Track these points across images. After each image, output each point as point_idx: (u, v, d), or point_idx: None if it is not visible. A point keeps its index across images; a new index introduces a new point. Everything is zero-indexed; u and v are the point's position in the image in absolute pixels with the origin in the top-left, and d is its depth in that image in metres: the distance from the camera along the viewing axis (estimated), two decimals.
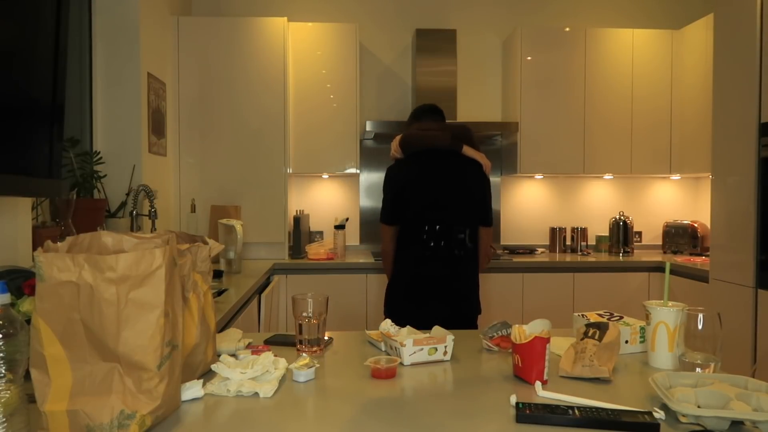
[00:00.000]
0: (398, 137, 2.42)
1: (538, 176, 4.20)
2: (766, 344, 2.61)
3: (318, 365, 1.23)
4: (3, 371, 0.82)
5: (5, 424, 0.83)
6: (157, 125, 3.22)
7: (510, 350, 1.35)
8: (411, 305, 2.33)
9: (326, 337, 1.48)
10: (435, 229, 2.31)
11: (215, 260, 2.99)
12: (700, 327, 1.15)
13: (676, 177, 4.23)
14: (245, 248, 3.53)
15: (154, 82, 3.15)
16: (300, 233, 3.72)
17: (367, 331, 1.53)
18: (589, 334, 1.26)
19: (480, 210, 2.40)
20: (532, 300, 3.62)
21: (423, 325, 1.62)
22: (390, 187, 2.40)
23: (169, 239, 0.99)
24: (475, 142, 2.42)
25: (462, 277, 2.36)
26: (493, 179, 4.19)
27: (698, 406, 0.97)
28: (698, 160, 3.75)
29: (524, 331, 1.19)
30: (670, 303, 1.29)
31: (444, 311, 2.26)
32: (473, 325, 2.38)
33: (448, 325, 1.66)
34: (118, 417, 0.87)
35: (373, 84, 4.13)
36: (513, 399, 1.04)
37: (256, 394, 1.10)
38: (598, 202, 4.29)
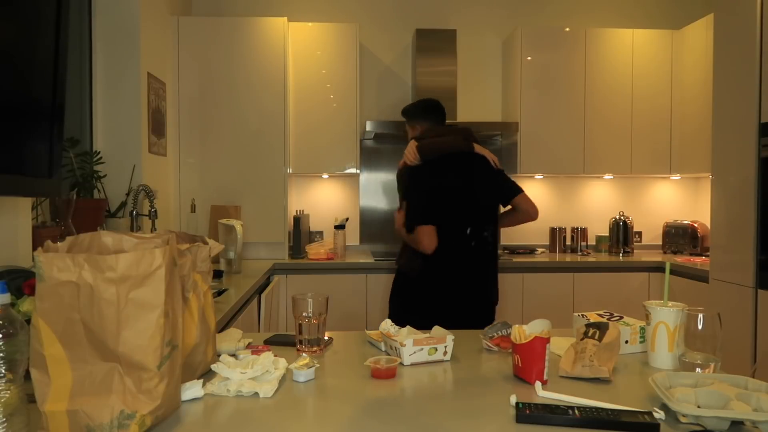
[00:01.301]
0: (414, 143, 2.44)
1: (538, 176, 4.20)
2: (766, 344, 2.61)
3: (318, 365, 1.23)
4: (3, 371, 0.82)
5: (5, 424, 0.83)
6: (157, 125, 3.22)
7: (510, 350, 1.35)
8: (446, 304, 2.34)
9: (326, 337, 1.48)
10: (472, 228, 2.41)
11: (215, 260, 2.99)
12: (700, 327, 1.15)
13: (676, 177, 4.23)
14: (245, 248, 3.53)
15: (154, 82, 3.15)
16: (300, 233, 3.72)
17: (367, 331, 1.53)
18: (589, 334, 1.26)
19: (502, 195, 2.54)
20: (532, 300, 3.62)
21: (455, 322, 1.66)
22: (420, 189, 2.41)
23: (169, 239, 0.99)
24: (477, 140, 2.55)
25: (492, 271, 2.51)
26: None
27: (698, 406, 0.97)
28: (698, 160, 3.75)
29: (524, 331, 1.19)
30: (670, 303, 1.29)
31: (477, 304, 2.40)
32: (492, 313, 2.54)
33: (472, 317, 1.87)
34: (118, 417, 0.87)
35: (373, 84, 4.13)
36: (513, 399, 1.04)
37: (256, 394, 1.10)
38: (598, 202, 4.29)
